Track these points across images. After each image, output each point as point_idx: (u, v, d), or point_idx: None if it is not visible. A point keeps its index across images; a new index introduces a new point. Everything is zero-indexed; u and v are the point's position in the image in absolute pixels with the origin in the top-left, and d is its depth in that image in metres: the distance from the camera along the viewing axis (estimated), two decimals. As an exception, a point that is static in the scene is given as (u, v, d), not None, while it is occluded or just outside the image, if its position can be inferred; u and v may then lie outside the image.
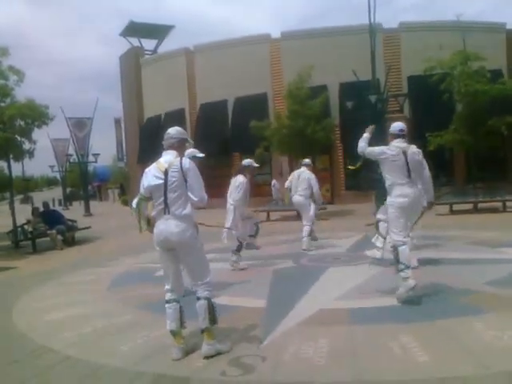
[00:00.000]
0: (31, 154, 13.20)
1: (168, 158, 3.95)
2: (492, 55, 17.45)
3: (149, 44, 31.77)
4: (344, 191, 22.63)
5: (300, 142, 16.77)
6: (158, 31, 31.58)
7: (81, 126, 29.87)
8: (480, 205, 14.91)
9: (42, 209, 13.29)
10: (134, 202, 4.12)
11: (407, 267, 4.88)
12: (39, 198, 35.98)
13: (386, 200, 5.51)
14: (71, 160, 36.42)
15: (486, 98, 15.16)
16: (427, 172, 5.47)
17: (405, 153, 5.15)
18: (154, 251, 9.30)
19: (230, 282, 6.48)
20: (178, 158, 3.91)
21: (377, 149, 5.40)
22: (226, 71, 23.45)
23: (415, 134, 20.03)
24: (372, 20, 16.29)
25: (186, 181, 3.83)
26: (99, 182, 61.79)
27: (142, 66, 29.18)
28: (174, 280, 4.00)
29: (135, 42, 30.86)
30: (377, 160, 5.40)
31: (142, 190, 4.04)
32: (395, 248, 5.02)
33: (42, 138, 30.46)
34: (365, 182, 20.60)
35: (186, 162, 3.90)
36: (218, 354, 3.82)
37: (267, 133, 17.35)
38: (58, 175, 49.74)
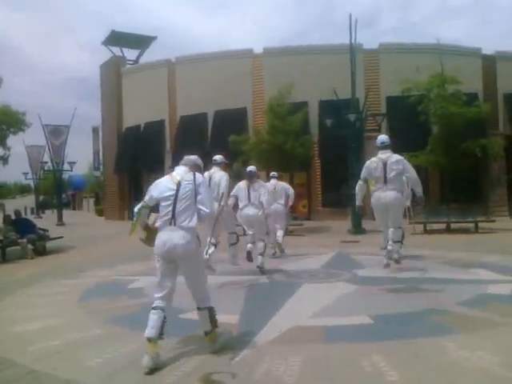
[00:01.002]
0: (5, 160, 12.97)
1: (180, 172, 4.23)
2: (468, 79, 17.92)
3: (130, 54, 31.71)
4: (321, 208, 22.76)
5: (278, 157, 16.85)
6: (140, 41, 31.54)
7: (57, 133, 29.49)
8: (453, 225, 15.16)
9: (13, 217, 12.98)
10: (137, 208, 4.27)
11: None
12: (11, 205, 35.26)
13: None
14: (46, 167, 35.86)
15: (462, 121, 15.50)
16: (413, 173, 6.34)
17: (385, 163, 6.17)
18: (127, 263, 9.13)
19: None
20: (191, 173, 4.18)
21: (363, 170, 6.67)
22: (207, 84, 23.50)
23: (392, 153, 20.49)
24: (353, 40, 16.62)
25: (196, 194, 4.04)
26: (74, 190, 60.90)
27: (122, 75, 29.06)
28: (168, 292, 4.08)
29: (117, 51, 30.75)
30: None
31: (146, 199, 4.23)
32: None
33: (17, 145, 30.01)
34: (341, 198, 20.80)
35: (199, 176, 4.20)
36: (223, 349, 4.09)
37: (246, 147, 17.39)
38: (31, 182, 48.85)
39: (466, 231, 14.57)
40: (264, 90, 22.17)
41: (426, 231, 14.49)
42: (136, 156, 26.77)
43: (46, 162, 34.75)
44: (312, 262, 9.43)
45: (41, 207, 46.28)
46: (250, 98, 23.42)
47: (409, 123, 18.35)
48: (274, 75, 21.06)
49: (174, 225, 4.00)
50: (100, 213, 35.30)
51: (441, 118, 15.96)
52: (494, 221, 15.11)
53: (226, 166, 8.07)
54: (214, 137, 23.44)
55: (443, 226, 15.14)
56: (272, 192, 9.43)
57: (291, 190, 10.57)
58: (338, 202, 21.64)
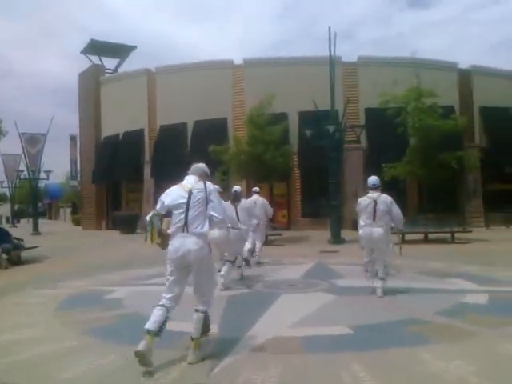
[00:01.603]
0: (-20, 168, 12.68)
1: (191, 180, 4.37)
2: (445, 92, 18.27)
3: (110, 63, 31.53)
4: (300, 218, 22.84)
5: (258, 167, 16.89)
6: (119, 50, 31.42)
7: (34, 141, 29.06)
8: (430, 235, 15.36)
9: (-13, 226, 12.71)
10: (149, 216, 4.34)
11: (373, 274, 6.87)
12: (-14, 214, 34.63)
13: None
14: (22, 176, 35.27)
15: (438, 133, 15.77)
16: (396, 210, 6.95)
17: (375, 201, 6.85)
18: (104, 273, 9.00)
19: (181, 307, 6.33)
20: (201, 181, 4.32)
21: (357, 207, 7.21)
22: (187, 94, 23.49)
23: (371, 165, 20.74)
24: (332, 53, 16.83)
25: (207, 202, 4.21)
26: (50, 199, 59.95)
27: (101, 84, 28.86)
28: (176, 294, 4.23)
29: (96, 60, 30.55)
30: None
31: (158, 207, 4.31)
32: (366, 264, 7.07)
33: (-8, 153, 29.48)
34: (321, 209, 20.91)
35: (210, 184, 4.34)
36: (203, 360, 4.09)
37: (226, 157, 17.40)
38: (7, 191, 47.98)
39: (443, 241, 14.78)
40: (244, 101, 22.24)
41: (403, 241, 14.62)
42: (114, 165, 26.52)
43: (22, 171, 34.21)
44: (291, 272, 9.43)
45: (16, 216, 45.37)
46: (230, 108, 23.47)
47: (387, 135, 18.62)
48: (255, 86, 21.16)
49: (187, 231, 4.15)
50: (77, 222, 34.78)
51: (418, 131, 16.22)
52: (470, 231, 15.36)
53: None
54: (193, 147, 23.36)
55: (421, 236, 15.32)
56: (252, 207, 9.89)
57: (269, 207, 11.36)
58: (318, 212, 21.76)
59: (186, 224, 4.16)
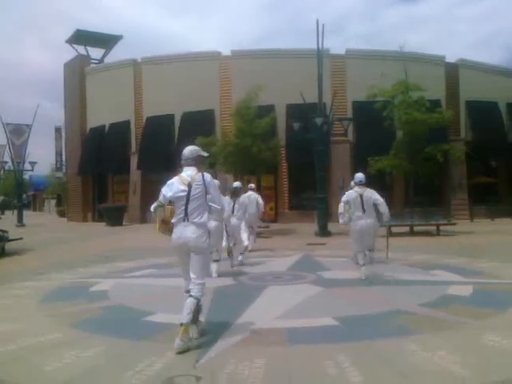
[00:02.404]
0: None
1: (189, 173, 4.56)
2: (432, 86, 18.37)
3: (95, 53, 31.18)
4: (288, 210, 22.90)
5: (245, 160, 16.85)
6: (105, 40, 31.08)
7: (18, 132, 28.67)
8: (416, 228, 15.49)
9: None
10: (153, 207, 4.68)
11: (361, 266, 7.33)
12: (-31, 206, 34.19)
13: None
14: (6, 167, 34.83)
15: (425, 127, 15.86)
16: (381, 202, 7.43)
17: (361, 195, 7.37)
18: (89, 265, 8.94)
19: (167, 299, 6.32)
20: (200, 173, 4.53)
21: (344, 198, 7.87)
22: (174, 86, 23.33)
23: (357, 157, 20.84)
24: (320, 45, 16.80)
25: (206, 193, 4.48)
26: (35, 191, 59.33)
27: (86, 74, 28.56)
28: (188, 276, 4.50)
29: (82, 50, 30.18)
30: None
31: (161, 198, 4.60)
32: (355, 254, 7.68)
33: (-24, 144, 29.07)
34: (308, 201, 20.98)
35: (208, 176, 4.56)
36: (188, 350, 4.15)
37: (213, 150, 17.32)
38: (-9, 183, 47.39)
39: (428, 234, 14.92)
40: (232, 93, 22.16)
41: (390, 234, 14.72)
42: (100, 157, 26.30)
43: (7, 162, 33.80)
44: (278, 264, 9.44)
45: (0, 208, 44.86)
46: (217, 100, 23.37)
47: (374, 128, 18.69)
48: (242, 78, 21.08)
49: (188, 221, 4.44)
50: (62, 214, 34.51)
51: (404, 124, 16.29)
52: (455, 224, 15.51)
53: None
54: (180, 138, 23.21)
55: (407, 229, 15.45)
56: (247, 203, 10.52)
57: (261, 201, 11.97)
58: (305, 205, 21.83)
59: (186, 215, 4.44)
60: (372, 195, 7.50)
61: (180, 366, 3.82)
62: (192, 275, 4.46)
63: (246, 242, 9.60)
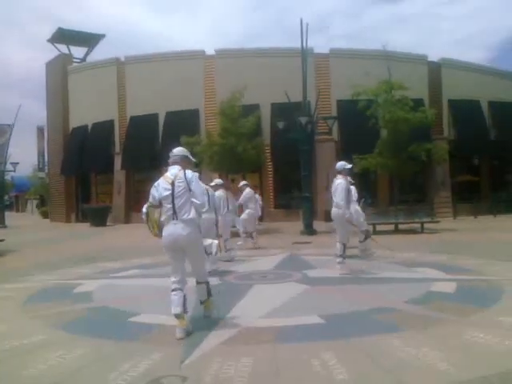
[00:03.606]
0: None
1: (173, 171, 4.71)
2: (415, 85, 18.55)
3: (78, 52, 30.86)
4: (273, 209, 22.92)
5: (230, 159, 16.82)
6: (87, 39, 30.78)
7: (0, 132, 28.25)
8: (400, 226, 15.62)
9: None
10: (145, 208, 4.83)
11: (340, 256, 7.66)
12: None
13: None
14: (-13, 168, 34.24)
15: (408, 126, 15.99)
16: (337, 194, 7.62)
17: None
18: (73, 267, 8.84)
19: (152, 299, 6.28)
20: (182, 171, 4.67)
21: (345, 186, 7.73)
22: (158, 85, 23.22)
23: (342, 156, 20.89)
24: (304, 44, 16.83)
25: (189, 189, 4.59)
26: (17, 192, 58.54)
27: (69, 73, 28.26)
28: (181, 274, 4.67)
29: (64, 49, 29.83)
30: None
31: (151, 199, 4.75)
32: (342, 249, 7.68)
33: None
34: (293, 200, 21.03)
35: (189, 172, 4.70)
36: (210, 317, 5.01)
37: (198, 149, 17.26)
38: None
39: (412, 232, 15.05)
40: (216, 92, 22.11)
41: (374, 232, 14.83)
42: (84, 157, 26.05)
43: (-13, 163, 33.21)
44: (264, 263, 9.45)
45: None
46: (202, 99, 23.32)
47: (358, 127, 18.80)
48: (226, 77, 21.06)
49: (177, 219, 4.58)
50: (45, 215, 34.09)
51: (388, 123, 16.41)
52: (438, 221, 15.68)
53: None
54: (165, 138, 23.14)
55: (391, 226, 15.57)
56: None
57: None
58: (290, 204, 21.88)
59: (174, 213, 4.58)
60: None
61: (165, 367, 3.79)
62: (192, 269, 4.87)
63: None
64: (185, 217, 4.57)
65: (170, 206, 4.59)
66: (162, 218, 4.67)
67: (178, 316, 4.49)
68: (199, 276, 4.91)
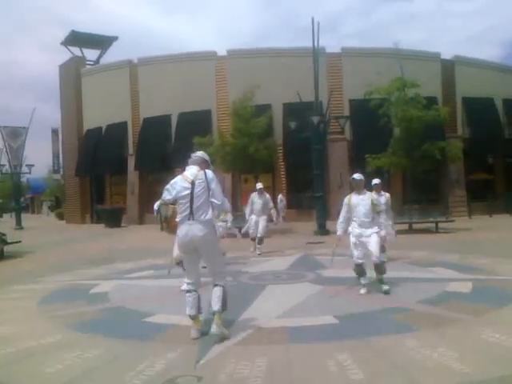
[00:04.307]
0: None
1: (192, 171, 4.63)
2: (428, 83, 18.41)
3: (91, 54, 31.11)
4: (286, 209, 22.84)
5: (242, 159, 16.84)
6: (100, 42, 31.00)
7: (15, 135, 28.57)
8: (414, 225, 15.50)
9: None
10: (156, 205, 4.88)
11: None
12: (-33, 209, 34.09)
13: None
14: (3, 170, 34.72)
15: (421, 124, 15.86)
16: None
17: None
18: (89, 267, 8.89)
19: (167, 299, 6.33)
20: (202, 171, 4.60)
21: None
22: (170, 86, 23.31)
23: (355, 156, 20.85)
24: (316, 44, 16.78)
25: (209, 189, 4.52)
26: (33, 194, 59.20)
27: (82, 76, 28.48)
28: (195, 276, 4.65)
29: (77, 51, 30.11)
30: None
31: (164, 196, 4.67)
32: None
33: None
34: (306, 200, 20.98)
35: (210, 172, 4.65)
36: (223, 338, 4.38)
37: (210, 149, 17.31)
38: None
39: (427, 231, 14.94)
40: (228, 93, 22.15)
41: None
42: (98, 158, 26.26)
43: (4, 165, 33.68)
44: (277, 263, 9.45)
45: (-2, 211, 44.78)
46: (214, 100, 23.35)
47: (371, 126, 18.67)
48: (238, 77, 21.07)
49: (193, 219, 4.48)
50: (60, 216, 34.43)
51: (401, 121, 16.30)
52: (453, 221, 15.54)
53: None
54: (177, 139, 23.24)
55: (405, 226, 15.46)
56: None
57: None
58: (303, 204, 21.83)
59: (191, 213, 4.48)
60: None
61: (181, 367, 3.82)
62: (210, 269, 4.68)
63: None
64: (202, 217, 4.49)
65: (187, 205, 4.50)
66: (178, 219, 4.60)
67: (192, 317, 4.51)
68: (217, 277, 4.68)
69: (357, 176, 6.45)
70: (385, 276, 6.40)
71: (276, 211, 12.29)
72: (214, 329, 4.38)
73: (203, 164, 4.75)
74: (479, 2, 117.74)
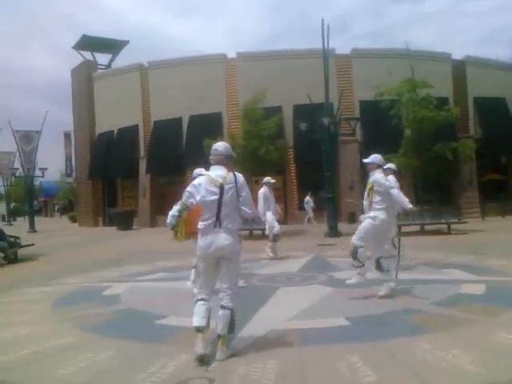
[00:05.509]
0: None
1: (219, 173, 4.10)
2: (439, 83, 18.28)
3: (102, 58, 31.36)
4: (297, 211, 22.84)
5: (254, 161, 16.86)
6: (111, 46, 31.24)
7: (28, 139, 28.93)
8: (426, 226, 15.39)
9: (-17, 224, 12.64)
10: (176, 210, 4.18)
11: (362, 265, 6.00)
12: (-19, 213, 34.48)
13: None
14: (17, 174, 35.14)
15: (432, 125, 15.77)
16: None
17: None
18: (101, 270, 8.95)
19: (179, 301, 6.34)
20: (231, 173, 4.11)
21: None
22: (181, 89, 23.41)
23: (366, 157, 20.69)
24: (325, 45, 16.77)
25: (238, 196, 4.06)
26: (45, 197, 59.76)
27: (94, 80, 28.73)
28: (212, 286, 4.20)
29: (88, 55, 30.36)
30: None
31: (185, 200, 4.14)
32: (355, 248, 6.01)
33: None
34: (318, 202, 20.93)
35: (240, 176, 4.15)
36: (232, 356, 3.99)
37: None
38: (2, 189, 47.86)
39: (439, 232, 14.83)
40: (238, 95, 22.20)
41: (400, 233, 14.62)
42: (110, 162, 26.44)
43: (17, 169, 34.10)
44: (289, 265, 9.43)
45: (12, 214, 45.24)
46: (224, 102, 23.42)
47: (382, 127, 18.62)
48: (248, 80, 21.11)
49: (220, 227, 4.03)
50: (73, 219, 34.71)
51: (412, 122, 16.23)
52: (466, 222, 15.40)
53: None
54: (188, 141, 23.34)
55: (417, 227, 15.35)
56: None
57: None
58: (314, 206, 21.76)
59: (218, 220, 4.03)
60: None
61: (192, 369, 3.83)
62: (224, 285, 4.13)
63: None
64: (230, 226, 4.04)
65: (214, 212, 4.02)
66: (200, 226, 4.10)
67: (200, 329, 3.98)
68: (229, 295, 4.10)
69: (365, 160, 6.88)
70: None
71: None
72: (218, 355, 3.96)
73: (230, 162, 4.26)
74: (492, 2, 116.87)
